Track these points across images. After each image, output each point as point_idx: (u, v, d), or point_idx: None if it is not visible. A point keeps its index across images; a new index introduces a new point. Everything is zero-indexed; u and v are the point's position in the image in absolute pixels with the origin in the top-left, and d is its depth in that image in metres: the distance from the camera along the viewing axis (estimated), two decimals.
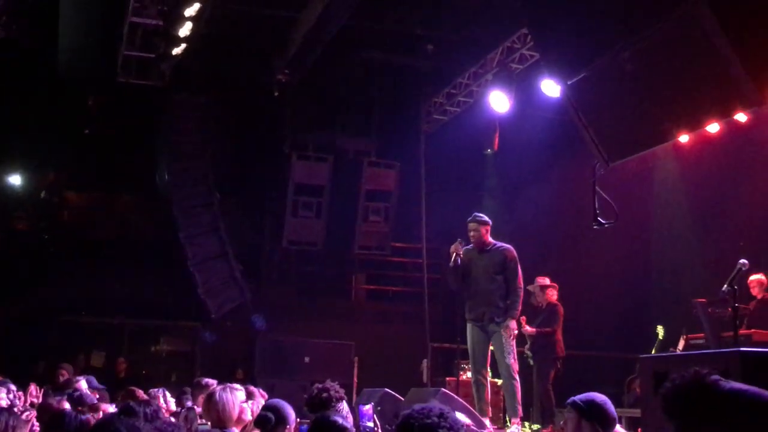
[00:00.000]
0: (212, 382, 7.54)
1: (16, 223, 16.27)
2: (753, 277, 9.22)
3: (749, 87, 6.04)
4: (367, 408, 6.74)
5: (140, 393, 7.67)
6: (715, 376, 2.25)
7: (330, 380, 5.65)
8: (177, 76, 13.60)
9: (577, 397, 4.38)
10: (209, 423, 5.39)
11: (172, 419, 5.48)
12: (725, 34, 5.98)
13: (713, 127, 9.15)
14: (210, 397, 5.35)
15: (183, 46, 12.45)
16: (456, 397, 8.11)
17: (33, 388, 8.55)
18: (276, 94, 14.46)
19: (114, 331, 15.59)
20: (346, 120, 16.23)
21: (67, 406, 6.01)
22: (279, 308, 15.64)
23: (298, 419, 5.38)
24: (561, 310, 10.82)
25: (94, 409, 6.11)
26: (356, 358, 13.74)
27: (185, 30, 11.99)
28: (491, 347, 8.66)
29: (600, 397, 4.39)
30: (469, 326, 8.77)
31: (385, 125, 16.19)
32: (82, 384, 8.41)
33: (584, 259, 13.09)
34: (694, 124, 7.39)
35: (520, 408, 8.56)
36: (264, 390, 7.74)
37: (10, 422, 4.34)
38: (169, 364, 16.22)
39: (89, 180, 16.45)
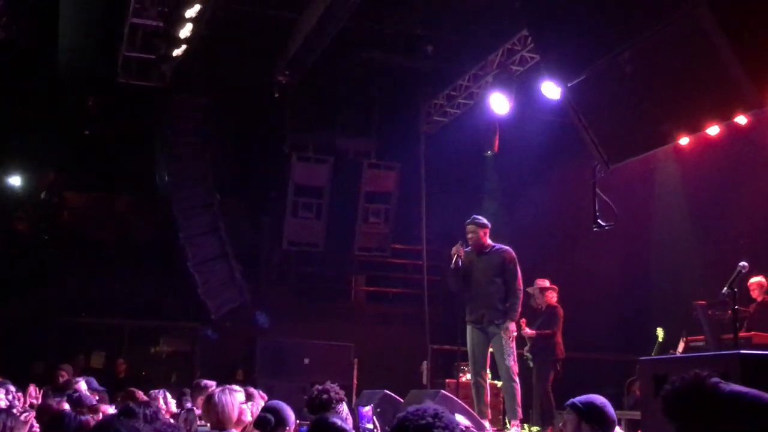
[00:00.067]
0: (211, 383, 7.53)
1: (16, 224, 16.26)
2: (753, 280, 9.22)
3: (749, 89, 6.04)
4: (367, 409, 6.74)
5: (140, 394, 7.67)
6: (715, 379, 2.25)
7: (330, 382, 5.65)
8: (177, 77, 13.60)
9: (577, 399, 4.37)
10: (209, 425, 5.39)
11: (172, 421, 5.48)
12: (725, 35, 5.98)
13: (713, 130, 9.15)
14: (209, 399, 5.34)
15: (183, 47, 12.46)
16: (455, 398, 8.12)
17: (32, 389, 8.54)
18: (276, 95, 14.45)
19: (114, 331, 15.58)
20: (346, 121, 16.23)
21: (66, 407, 6.00)
22: (279, 309, 15.64)
23: (298, 421, 5.37)
24: (561, 312, 10.81)
25: (94, 410, 6.10)
26: (356, 360, 13.74)
27: (185, 31, 11.99)
28: (491, 349, 8.67)
29: (599, 399, 4.39)
30: (468, 328, 8.78)
31: (385, 126, 16.19)
32: (82, 385, 8.41)
33: (584, 261, 13.08)
34: (695, 126, 7.39)
35: (519, 410, 8.56)
36: (263, 391, 7.74)
37: (8, 423, 4.33)
38: (169, 364, 16.21)
39: (89, 180, 16.44)
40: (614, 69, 7.23)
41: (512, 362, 8.51)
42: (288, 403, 5.11)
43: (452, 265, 8.83)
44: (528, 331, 10.60)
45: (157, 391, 7.97)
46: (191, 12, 11.58)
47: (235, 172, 16.01)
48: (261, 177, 16.19)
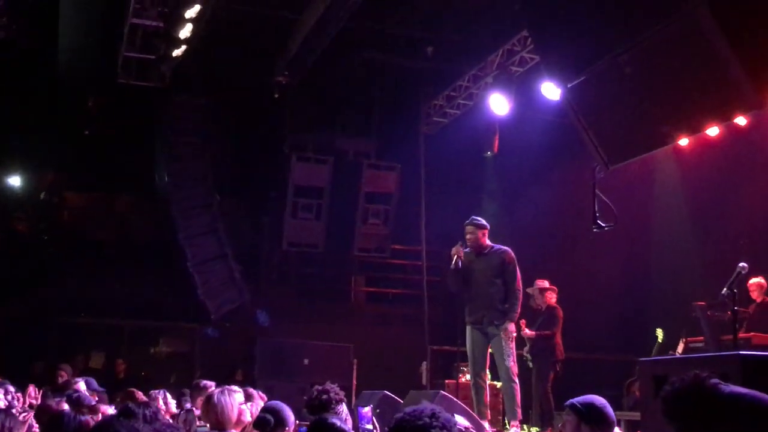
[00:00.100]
0: (211, 384, 7.52)
1: (15, 224, 16.25)
2: (753, 281, 9.23)
3: (749, 90, 6.05)
4: (366, 410, 6.74)
5: (139, 394, 7.66)
6: (715, 380, 2.25)
7: (329, 382, 5.64)
8: (177, 77, 13.59)
9: (576, 400, 4.36)
10: (208, 425, 5.38)
11: (171, 421, 5.47)
12: (725, 36, 5.99)
13: (713, 131, 9.16)
14: (208, 400, 5.34)
15: (183, 47, 12.46)
16: (455, 399, 8.11)
17: (32, 389, 8.54)
18: (276, 95, 14.45)
19: (113, 332, 15.58)
20: (346, 121, 16.24)
21: (66, 407, 5.99)
22: (278, 310, 15.64)
23: (297, 421, 5.37)
24: (560, 313, 10.82)
25: (93, 410, 6.10)
26: (355, 360, 13.74)
27: (185, 32, 11.99)
28: (490, 350, 8.67)
29: (599, 399, 4.38)
30: (468, 329, 8.78)
31: (385, 127, 16.20)
32: (81, 385, 8.39)
33: (584, 262, 13.09)
34: (694, 127, 7.39)
35: (519, 411, 8.56)
36: (263, 392, 7.73)
37: (7, 423, 4.33)
38: (169, 365, 16.20)
39: (89, 181, 16.43)
40: (614, 70, 7.24)
41: (512, 363, 8.50)
42: (287, 404, 5.10)
43: (452, 266, 8.83)
44: (527, 332, 10.60)
45: (157, 391, 7.96)
46: (191, 12, 11.58)
47: (235, 173, 16.00)
48: (261, 177, 16.18)
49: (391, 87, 15.72)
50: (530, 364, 10.78)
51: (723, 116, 6.98)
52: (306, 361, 13.78)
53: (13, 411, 5.14)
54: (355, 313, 17.01)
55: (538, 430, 10.15)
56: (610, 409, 4.35)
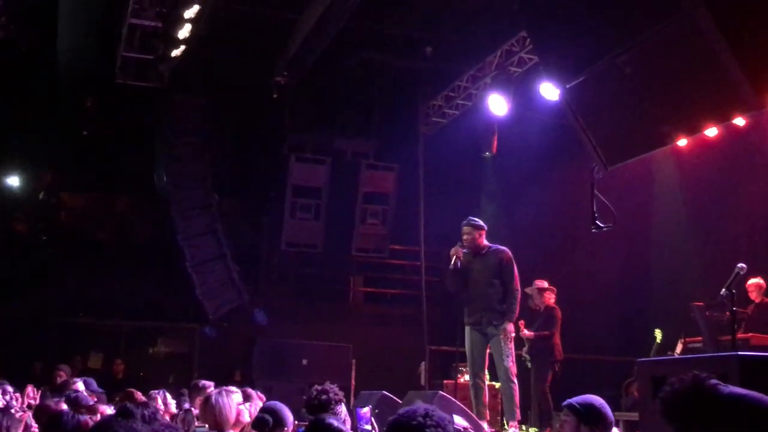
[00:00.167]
0: (210, 384, 7.52)
1: (14, 224, 16.24)
2: (751, 281, 9.22)
3: (748, 91, 6.05)
4: (365, 411, 6.74)
5: (138, 395, 7.65)
6: (714, 381, 2.25)
7: (328, 382, 5.64)
8: (176, 77, 13.60)
9: (575, 400, 4.36)
10: (207, 426, 5.38)
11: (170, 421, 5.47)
12: (724, 37, 5.99)
13: (712, 131, 9.16)
14: (206, 401, 5.35)
15: (182, 47, 12.45)
16: (454, 400, 8.11)
17: (30, 389, 8.54)
18: (275, 95, 14.45)
19: (112, 332, 15.57)
20: (344, 121, 16.23)
21: (64, 407, 5.99)
22: (277, 310, 15.64)
23: (296, 421, 5.37)
24: (559, 313, 10.82)
25: (92, 410, 6.09)
26: (354, 361, 13.74)
27: (184, 32, 11.99)
28: (489, 350, 8.67)
29: (598, 400, 4.39)
30: (467, 330, 8.77)
31: (384, 127, 16.20)
32: (80, 385, 8.39)
33: (583, 262, 13.09)
34: (693, 128, 7.39)
35: (517, 411, 8.56)
36: (262, 392, 7.73)
37: (5, 423, 4.33)
38: (167, 365, 16.19)
39: (88, 181, 16.42)
40: (613, 70, 7.24)
41: (510, 363, 8.50)
42: (286, 404, 5.10)
43: (451, 266, 8.82)
44: (526, 332, 10.60)
45: (156, 391, 7.96)
46: (190, 12, 11.58)
47: (234, 173, 16.00)
48: (260, 177, 16.18)
49: (390, 87, 15.72)
50: (529, 365, 10.78)
51: (722, 117, 6.99)
52: (305, 362, 13.78)
53: (12, 411, 5.14)
54: (354, 314, 17.01)
55: (536, 430, 10.15)
56: (608, 410, 4.36)
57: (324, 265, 16.83)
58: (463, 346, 8.87)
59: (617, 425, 7.37)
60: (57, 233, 16.29)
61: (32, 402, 8.03)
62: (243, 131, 16.08)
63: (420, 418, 2.68)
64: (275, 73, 14.02)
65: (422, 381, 13.52)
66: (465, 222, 8.88)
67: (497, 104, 12.02)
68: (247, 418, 5.65)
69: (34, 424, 5.29)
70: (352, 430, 6.39)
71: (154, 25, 11.87)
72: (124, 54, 12.53)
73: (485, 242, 8.85)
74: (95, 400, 7.23)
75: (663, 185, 12.15)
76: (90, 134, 15.86)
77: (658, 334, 10.07)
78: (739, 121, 8.93)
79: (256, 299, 15.46)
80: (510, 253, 8.76)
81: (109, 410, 6.39)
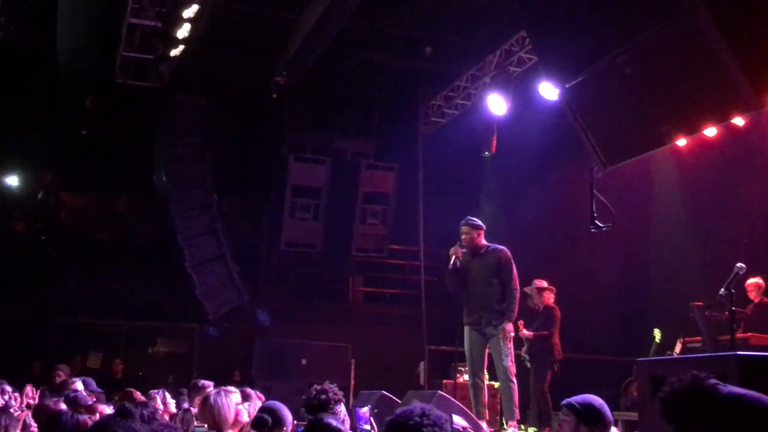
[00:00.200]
0: (209, 383, 7.52)
1: (13, 224, 16.24)
2: (750, 281, 9.22)
3: (747, 91, 6.05)
4: (364, 410, 6.74)
5: (137, 394, 7.64)
6: (714, 380, 2.25)
7: (328, 382, 5.64)
8: (176, 77, 13.59)
9: (574, 400, 4.36)
10: (205, 425, 5.38)
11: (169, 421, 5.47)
12: (724, 37, 5.99)
13: (711, 131, 9.16)
14: (205, 401, 5.35)
15: (181, 47, 12.45)
16: (453, 399, 8.11)
17: (29, 389, 8.53)
18: (274, 95, 14.45)
19: (111, 332, 15.56)
20: (344, 121, 16.23)
21: (63, 407, 5.98)
22: (276, 310, 15.64)
23: (296, 421, 5.37)
24: (558, 313, 10.83)
25: (91, 410, 6.09)
26: (353, 361, 13.74)
27: (183, 31, 11.99)
28: (488, 350, 8.67)
29: (597, 400, 4.38)
30: (466, 329, 8.77)
31: (384, 127, 16.19)
32: (78, 385, 8.38)
33: (583, 262, 13.09)
34: (692, 128, 7.39)
35: (516, 411, 8.55)
36: (261, 392, 7.73)
37: (3, 421, 4.33)
38: (166, 365, 16.18)
39: (87, 181, 16.42)
40: (613, 70, 7.24)
41: (510, 363, 8.50)
42: (285, 404, 5.10)
43: (450, 265, 8.82)
44: (525, 332, 10.60)
45: (155, 391, 7.95)
46: (189, 12, 11.58)
47: (234, 173, 16.00)
48: (260, 177, 16.18)
49: (390, 87, 15.72)
50: (528, 365, 10.79)
51: (721, 116, 6.99)
52: (304, 361, 13.78)
53: (11, 411, 5.14)
54: (353, 314, 17.01)
55: (535, 430, 10.15)
56: (607, 409, 4.36)
57: (323, 265, 16.83)
58: (463, 346, 8.87)
59: (616, 425, 7.37)
60: (56, 233, 16.28)
61: (31, 402, 8.02)
62: (243, 131, 16.08)
63: (417, 418, 2.69)
64: (275, 73, 14.02)
65: (421, 381, 13.52)
66: (463, 222, 8.88)
67: (496, 104, 12.02)
68: (245, 418, 5.64)
69: (33, 423, 5.29)
70: (351, 429, 6.39)
71: (153, 24, 11.87)
72: (124, 54, 12.52)
73: (484, 242, 8.85)
74: (94, 399, 7.22)
75: (662, 185, 12.15)
76: (90, 134, 15.85)
77: (657, 333, 10.07)
78: (739, 121, 8.93)
79: (255, 299, 15.46)
80: (509, 252, 8.76)
81: (108, 410, 6.39)
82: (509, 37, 12.47)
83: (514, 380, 8.52)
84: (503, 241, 9.29)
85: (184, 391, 8.94)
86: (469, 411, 8.06)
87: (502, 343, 8.47)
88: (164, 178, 14.61)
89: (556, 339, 10.70)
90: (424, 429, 2.67)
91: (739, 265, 7.63)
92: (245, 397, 6.21)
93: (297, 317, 15.76)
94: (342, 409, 5.51)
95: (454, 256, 8.77)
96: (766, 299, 9.32)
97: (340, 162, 15.79)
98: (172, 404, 7.94)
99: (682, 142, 9.19)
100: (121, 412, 3.88)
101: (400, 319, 16.86)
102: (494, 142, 12.65)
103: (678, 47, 6.52)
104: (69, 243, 15.88)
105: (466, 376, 9.64)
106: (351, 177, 15.86)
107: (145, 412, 4.22)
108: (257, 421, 4.87)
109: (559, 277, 11.79)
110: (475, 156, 13.98)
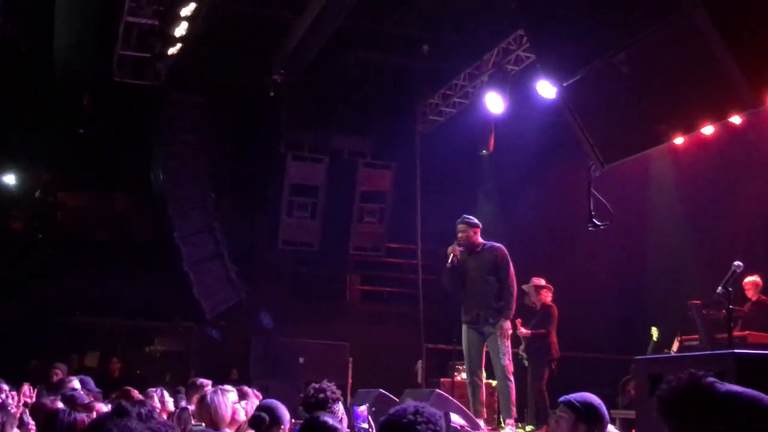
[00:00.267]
0: (207, 382, 7.52)
1: (10, 223, 16.22)
2: (748, 279, 9.22)
3: (744, 89, 6.05)
4: (362, 409, 6.74)
5: (135, 393, 7.63)
6: (711, 379, 2.24)
7: (326, 381, 5.63)
8: (173, 76, 13.58)
9: (572, 398, 4.36)
10: (203, 424, 5.38)
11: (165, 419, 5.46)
12: (721, 36, 5.99)
13: (708, 130, 9.16)
14: (202, 400, 5.34)
15: (179, 45, 12.44)
16: (451, 398, 8.12)
17: (26, 387, 8.51)
18: (271, 94, 14.43)
19: (108, 331, 15.55)
20: (341, 120, 16.22)
21: (60, 405, 5.97)
22: (274, 309, 15.63)
23: (293, 420, 5.36)
24: (555, 311, 10.83)
25: (88, 408, 6.08)
26: (351, 359, 13.73)
27: (181, 30, 11.98)
28: (486, 349, 8.67)
29: (595, 398, 4.39)
30: (464, 328, 8.77)
31: (381, 126, 16.18)
32: (76, 383, 8.37)
33: (579, 261, 13.09)
34: (690, 126, 7.39)
35: (514, 409, 8.56)
36: (258, 391, 7.72)
37: (1, 418, 4.33)
38: (163, 364, 16.18)
39: (84, 179, 16.41)
40: (610, 69, 7.23)
41: (507, 361, 8.50)
42: (283, 403, 5.10)
43: (448, 264, 8.82)
44: (523, 330, 10.61)
45: (153, 389, 7.94)
46: (186, 10, 11.58)
47: (232, 171, 16.00)
48: (258, 176, 16.17)
49: (387, 86, 15.70)
50: (526, 363, 10.79)
51: (719, 115, 6.99)
52: (301, 360, 13.76)
53: (8, 408, 5.13)
54: (351, 312, 17.01)
55: (533, 428, 10.16)
56: (604, 407, 4.36)
57: (321, 263, 16.83)
58: (460, 344, 8.88)
59: (614, 423, 7.37)
60: (53, 232, 16.28)
61: (28, 400, 8.01)
62: (240, 130, 16.07)
63: (410, 416, 2.69)
64: (272, 72, 14.02)
65: (419, 379, 13.52)
66: (459, 220, 8.88)
67: (494, 102, 12.01)
68: (242, 417, 5.64)
69: (31, 421, 5.29)
70: (349, 428, 6.38)
71: (151, 23, 11.86)
72: (121, 52, 12.51)
73: (480, 240, 8.85)
74: (91, 398, 7.21)
75: (660, 183, 12.16)
76: (87, 133, 15.84)
77: (655, 332, 10.08)
78: (736, 120, 8.93)
79: (253, 298, 15.45)
80: (505, 249, 8.76)
81: (105, 409, 6.38)
82: (507, 36, 12.46)
83: (512, 378, 8.53)
84: (501, 239, 9.29)
85: (182, 389, 8.92)
86: (466, 409, 8.07)
87: (499, 342, 8.47)
88: (162, 177, 14.60)
89: (554, 337, 10.70)
90: (418, 427, 2.67)
91: (736, 263, 7.63)
92: (242, 396, 6.21)
93: (294, 316, 15.75)
94: (340, 407, 5.50)
95: (452, 255, 8.77)
96: (763, 297, 9.32)
97: (338, 160, 15.79)
98: (170, 403, 7.94)
99: (679, 140, 9.18)
100: (118, 411, 3.87)
101: (398, 317, 16.86)
102: (492, 141, 12.64)
103: (676, 46, 6.51)
104: (66, 242, 15.88)
105: (463, 375, 9.64)
106: (348, 175, 15.86)
107: (142, 410, 4.21)
108: (254, 420, 4.87)
109: (557, 275, 11.79)
110: (473, 154, 13.97)
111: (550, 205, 13.87)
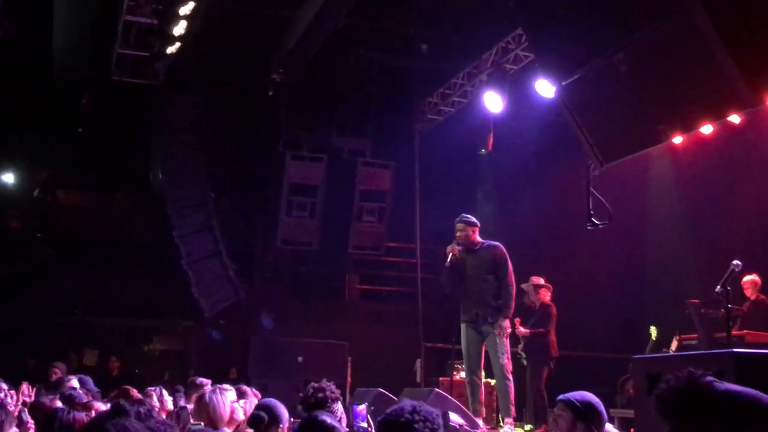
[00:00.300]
0: (206, 381, 7.51)
1: (8, 222, 16.21)
2: (746, 278, 9.24)
3: (743, 88, 6.05)
4: (361, 408, 6.74)
5: (134, 392, 7.63)
6: (710, 378, 2.24)
7: (325, 380, 5.63)
8: (172, 75, 13.56)
9: (571, 396, 4.36)
10: (202, 423, 5.38)
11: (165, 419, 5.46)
12: (720, 35, 5.99)
13: (707, 129, 9.16)
14: (200, 399, 5.34)
15: (178, 44, 12.44)
16: (450, 397, 8.12)
17: (25, 386, 8.50)
18: (270, 93, 14.43)
19: (107, 330, 15.55)
20: (340, 119, 16.20)
21: (59, 405, 5.97)
22: (273, 308, 15.62)
23: (292, 419, 5.36)
24: (554, 310, 10.83)
25: (87, 407, 6.08)
26: (350, 358, 13.72)
27: (180, 29, 11.98)
28: (485, 348, 8.67)
29: (594, 397, 4.40)
30: (463, 327, 8.78)
31: (380, 125, 16.16)
32: (74, 382, 8.36)
33: (578, 260, 13.09)
34: (688, 125, 7.40)
35: (513, 408, 8.57)
36: (257, 390, 7.72)
37: (0, 417, 4.33)
38: (162, 363, 16.19)
39: (83, 179, 16.40)
40: (609, 68, 7.24)
41: (506, 360, 8.51)
42: (282, 402, 5.09)
43: (447, 263, 8.82)
44: (522, 329, 10.61)
45: (153, 388, 7.94)
46: (185, 9, 11.57)
47: (231, 170, 15.99)
48: (256, 175, 16.16)
49: (386, 85, 15.68)
50: (524, 362, 10.79)
51: (717, 114, 6.99)
52: (300, 359, 13.73)
53: (7, 407, 5.13)
54: (350, 311, 17.00)
55: (531, 427, 10.16)
56: (603, 406, 4.37)
57: (320, 262, 16.81)
58: (459, 343, 8.88)
59: (612, 422, 7.37)
60: (52, 231, 16.27)
61: (27, 399, 8.00)
62: (239, 129, 16.06)
63: (408, 415, 2.70)
64: (271, 71, 14.00)
65: (418, 378, 13.52)
66: (458, 219, 8.89)
67: (493, 101, 12.01)
68: (241, 416, 5.64)
69: (30, 420, 5.28)
70: (348, 427, 6.38)
71: (149, 22, 11.85)
72: (120, 51, 12.49)
73: (479, 239, 8.85)
74: (90, 397, 7.21)
75: (659, 182, 12.16)
76: (86, 132, 15.82)
77: (654, 331, 10.09)
78: (735, 119, 8.93)
79: (252, 297, 15.45)
80: (503, 248, 8.76)
81: (104, 408, 6.38)
82: (506, 35, 12.45)
83: (511, 378, 8.54)
84: (500, 238, 9.29)
85: (181, 388, 8.91)
86: (465, 408, 8.08)
87: (498, 340, 8.48)
88: (160, 176, 14.59)
89: (553, 336, 10.70)
90: (416, 425, 2.67)
91: (735, 262, 7.64)
92: (241, 395, 6.21)
93: (293, 315, 15.74)
94: (339, 407, 5.50)
95: (450, 254, 8.77)
96: (762, 296, 9.33)
97: (337, 159, 15.76)
98: (169, 402, 7.93)
99: (678, 139, 9.18)
100: (117, 410, 3.87)
101: (397, 316, 16.85)
102: (491, 140, 12.64)
103: (674, 45, 6.52)
104: (65, 241, 15.87)
105: (462, 374, 9.64)
106: (347, 174, 15.83)
107: (141, 409, 4.21)
108: (253, 419, 4.87)
109: (556, 274, 11.80)
110: (472, 153, 13.98)
111: (549, 204, 13.87)
